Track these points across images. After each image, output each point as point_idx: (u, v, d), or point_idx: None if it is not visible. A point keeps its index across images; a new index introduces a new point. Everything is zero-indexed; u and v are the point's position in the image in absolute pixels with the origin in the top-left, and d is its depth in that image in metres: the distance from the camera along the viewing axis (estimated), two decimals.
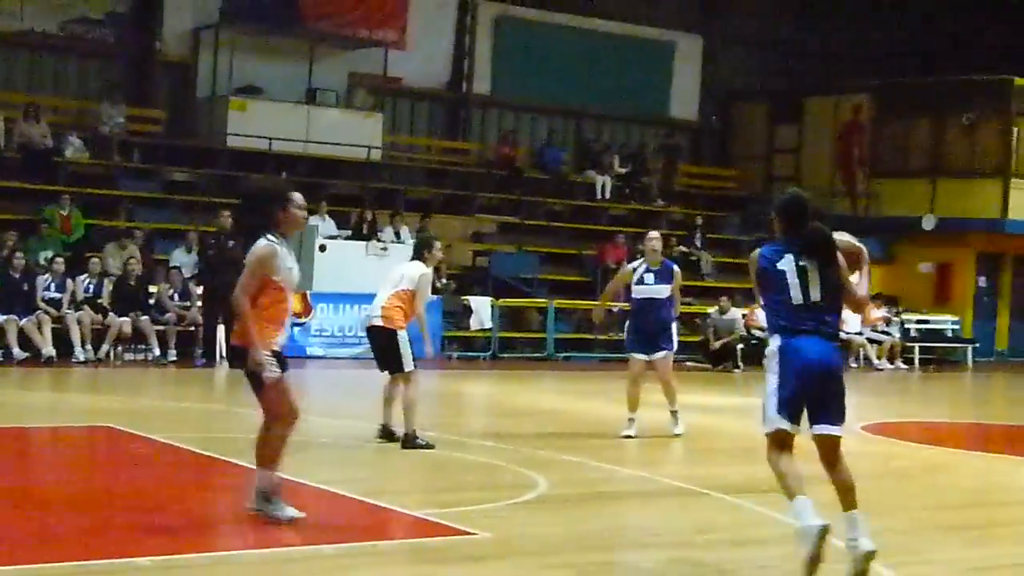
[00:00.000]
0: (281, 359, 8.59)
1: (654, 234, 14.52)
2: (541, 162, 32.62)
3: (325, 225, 25.03)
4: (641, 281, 14.01)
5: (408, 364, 12.56)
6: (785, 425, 7.70)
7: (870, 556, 7.62)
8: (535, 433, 14.52)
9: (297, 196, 8.89)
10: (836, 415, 7.79)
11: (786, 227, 7.96)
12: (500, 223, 30.01)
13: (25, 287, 20.74)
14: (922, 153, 33.61)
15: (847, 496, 7.74)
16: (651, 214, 32.30)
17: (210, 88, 28.84)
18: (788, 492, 7.67)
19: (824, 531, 7.48)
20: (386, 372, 12.87)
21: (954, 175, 32.64)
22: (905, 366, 29.01)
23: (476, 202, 30.25)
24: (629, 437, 13.83)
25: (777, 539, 9.12)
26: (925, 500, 10.78)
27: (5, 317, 20.21)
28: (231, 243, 21.38)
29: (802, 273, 7.80)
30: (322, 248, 23.91)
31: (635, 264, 14.44)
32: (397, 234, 25.56)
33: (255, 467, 8.82)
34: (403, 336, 12.60)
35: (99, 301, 21.36)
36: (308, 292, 23.19)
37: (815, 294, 7.82)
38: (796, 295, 7.83)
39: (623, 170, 33.04)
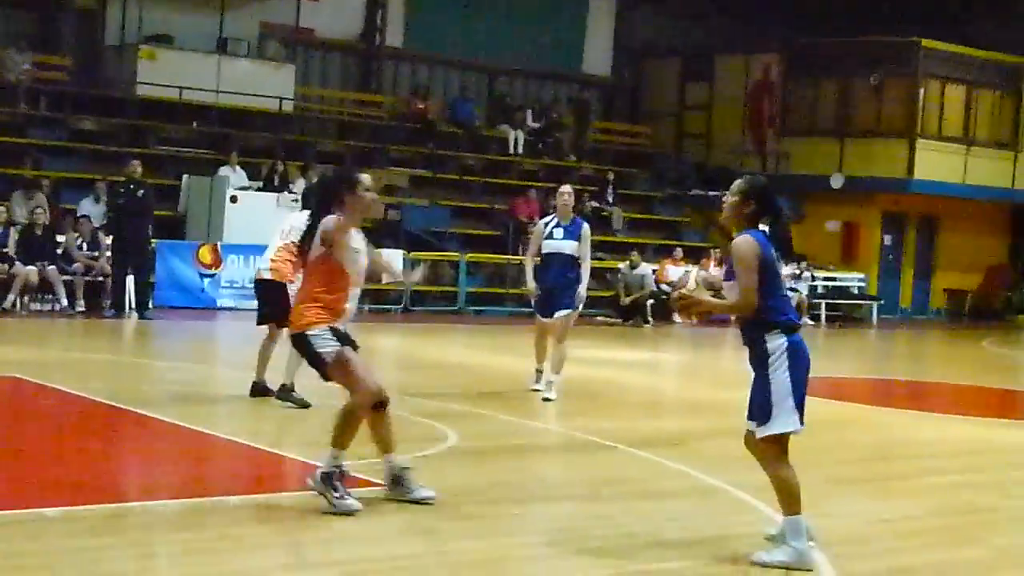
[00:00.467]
0: (341, 335, 8.18)
1: (566, 188, 14.16)
2: (453, 116, 32.52)
3: (236, 176, 24.84)
4: (551, 236, 13.74)
5: None
6: (800, 427, 7.34)
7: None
8: (446, 386, 14.54)
9: (365, 178, 8.33)
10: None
11: (760, 214, 7.46)
12: (412, 176, 29.93)
13: None
14: (831, 113, 33.95)
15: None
16: (563, 169, 32.36)
17: (119, 36, 28.49)
18: (796, 506, 7.28)
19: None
20: (263, 327, 12.58)
21: (862, 135, 33.01)
22: (812, 322, 29.34)
23: (388, 155, 30.14)
24: (537, 391, 13.83)
25: (686, 491, 9.23)
26: (829, 455, 10.92)
27: None
28: (141, 192, 21.18)
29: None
30: (233, 199, 23.74)
31: (547, 219, 14.29)
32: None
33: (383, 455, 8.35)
34: (293, 289, 11.85)
35: (4, 251, 21.05)
36: (219, 244, 23.04)
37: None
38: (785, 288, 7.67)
39: (535, 125, 33.07)
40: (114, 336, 19.50)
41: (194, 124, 27.84)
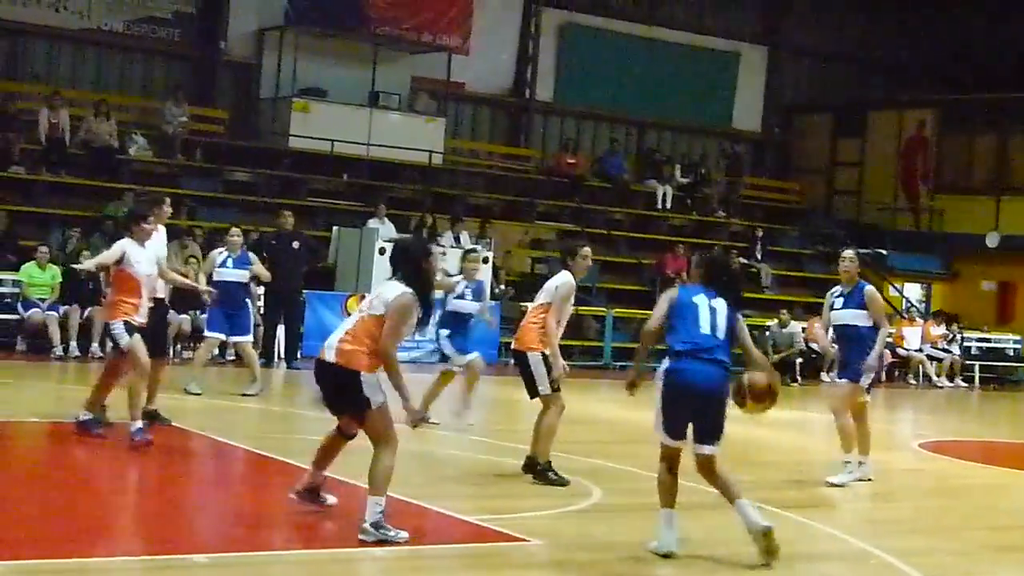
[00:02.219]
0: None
1: (848, 253, 13.06)
2: (602, 170, 32.59)
3: (385, 228, 25.12)
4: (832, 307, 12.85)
5: None
6: (668, 441, 9.00)
7: (768, 532, 8.52)
8: (590, 441, 14.52)
9: (436, 249, 9.19)
10: None
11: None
12: (559, 230, 30.01)
13: (90, 285, 20.95)
14: (986, 169, 33.36)
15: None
16: (711, 225, 32.22)
17: (273, 89, 29.03)
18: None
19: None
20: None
21: (1018, 192, 32.36)
22: (965, 384, 28.74)
23: (536, 209, 30.28)
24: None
25: (836, 554, 9.09)
26: (980, 520, 10.69)
27: (66, 308, 20.52)
28: (295, 244, 21.55)
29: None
30: (381, 251, 23.97)
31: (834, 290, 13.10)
32: (457, 239, 25.60)
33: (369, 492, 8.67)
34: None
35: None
36: (367, 295, 23.25)
37: None
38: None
39: (684, 180, 32.99)
40: (262, 385, 19.71)
41: (345, 176, 28.27)
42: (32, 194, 24.44)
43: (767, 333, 26.65)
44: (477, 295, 15.32)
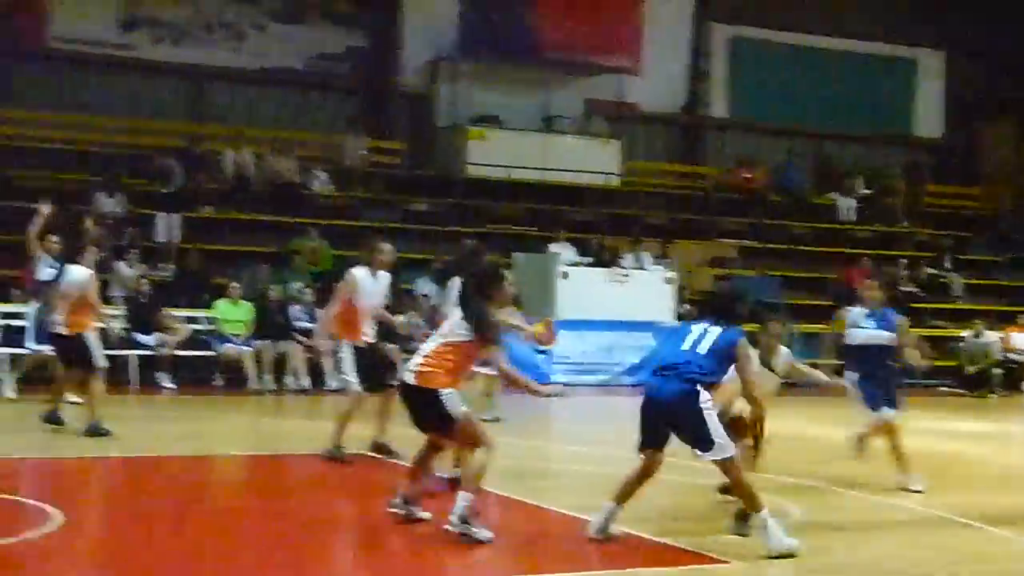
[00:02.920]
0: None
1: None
2: (781, 185, 32.26)
3: (566, 252, 25.21)
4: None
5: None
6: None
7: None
8: (785, 459, 14.33)
9: (508, 274, 10.02)
10: None
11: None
12: (740, 247, 29.78)
13: (280, 317, 21.42)
14: None
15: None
16: (896, 236, 31.67)
17: (449, 118, 29.39)
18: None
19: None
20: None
21: None
22: None
23: (715, 227, 30.10)
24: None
25: None
26: None
27: (261, 343, 20.97)
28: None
29: None
30: (564, 275, 24.08)
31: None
32: (638, 260, 25.57)
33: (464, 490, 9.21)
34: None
35: None
36: (551, 319, 23.36)
37: None
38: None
39: (866, 191, 32.49)
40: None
41: (523, 202, 28.45)
42: (221, 232, 25.07)
43: (960, 345, 26.08)
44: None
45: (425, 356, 9.38)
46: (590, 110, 30.96)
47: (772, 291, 28.22)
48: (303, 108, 29.16)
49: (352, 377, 12.73)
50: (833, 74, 33.93)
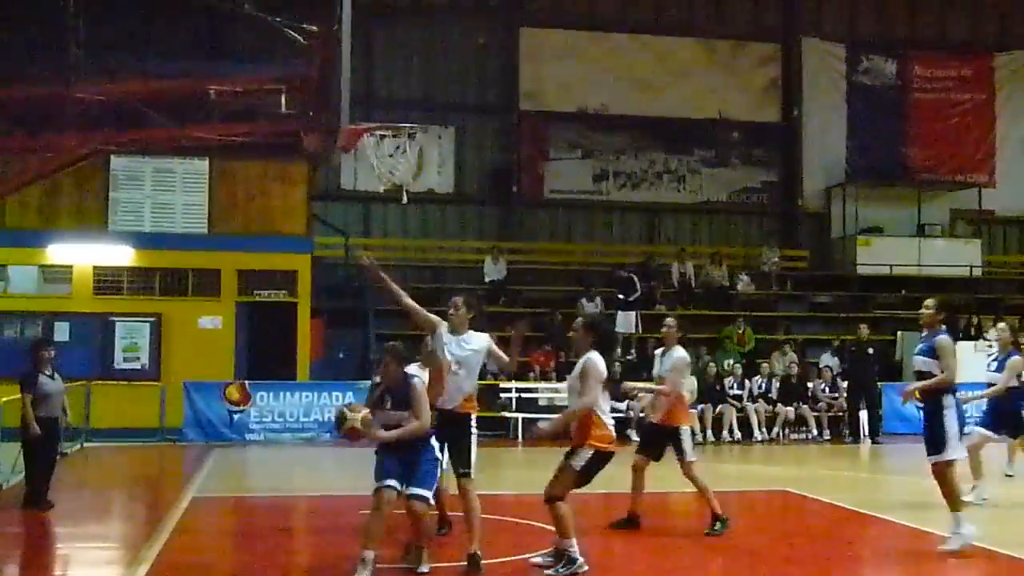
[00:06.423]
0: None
1: None
2: None
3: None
4: None
5: None
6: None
7: None
8: None
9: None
10: None
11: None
12: None
13: (716, 387, 21.96)
14: None
15: None
16: None
17: (841, 230, 29.32)
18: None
19: None
20: None
21: None
22: None
23: None
24: None
25: None
26: None
27: (701, 407, 21.49)
28: (870, 349, 21.75)
29: None
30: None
31: None
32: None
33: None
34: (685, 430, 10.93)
35: (769, 395, 22.26)
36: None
37: None
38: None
39: None
40: (853, 457, 19.71)
41: (902, 292, 27.98)
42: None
43: None
44: None
45: (465, 394, 9.15)
46: (955, 217, 30.15)
47: None
48: (730, 229, 29.75)
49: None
50: None
